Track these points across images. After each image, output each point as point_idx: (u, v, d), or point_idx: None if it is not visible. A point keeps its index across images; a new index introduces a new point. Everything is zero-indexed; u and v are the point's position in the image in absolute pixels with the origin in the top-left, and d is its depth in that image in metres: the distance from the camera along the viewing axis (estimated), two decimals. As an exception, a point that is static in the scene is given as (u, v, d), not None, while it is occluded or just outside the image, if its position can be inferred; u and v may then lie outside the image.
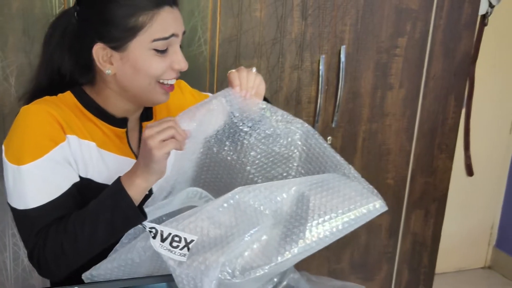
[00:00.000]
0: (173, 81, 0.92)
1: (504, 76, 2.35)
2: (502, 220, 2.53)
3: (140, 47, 0.87)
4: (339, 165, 0.90)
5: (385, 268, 1.91)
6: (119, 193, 0.82)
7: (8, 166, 0.86)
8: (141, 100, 0.95)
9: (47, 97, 0.92)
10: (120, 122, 0.96)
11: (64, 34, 0.93)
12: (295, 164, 0.94)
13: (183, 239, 0.80)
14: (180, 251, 0.79)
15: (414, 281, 1.98)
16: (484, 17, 2.14)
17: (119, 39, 0.87)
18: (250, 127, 0.93)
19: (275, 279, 0.91)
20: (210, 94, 1.12)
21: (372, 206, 0.85)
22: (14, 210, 0.88)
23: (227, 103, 0.91)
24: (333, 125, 1.67)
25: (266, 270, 0.79)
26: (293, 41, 1.55)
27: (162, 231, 0.80)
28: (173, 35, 0.88)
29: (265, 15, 1.50)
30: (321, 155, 0.91)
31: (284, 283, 0.91)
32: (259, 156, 0.95)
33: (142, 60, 0.88)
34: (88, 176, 0.91)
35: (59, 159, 0.87)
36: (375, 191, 0.87)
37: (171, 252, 0.79)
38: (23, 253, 1.39)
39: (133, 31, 0.86)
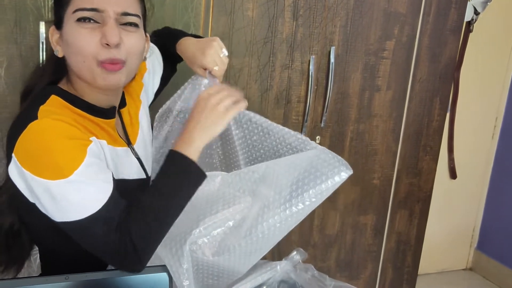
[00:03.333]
0: (113, 56, 0.85)
1: (487, 82, 2.41)
2: (483, 222, 2.58)
3: (68, 20, 0.85)
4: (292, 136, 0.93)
5: (370, 266, 1.94)
6: (185, 161, 0.85)
7: (53, 184, 0.78)
8: (91, 84, 0.89)
9: (43, 107, 0.85)
10: (111, 113, 0.95)
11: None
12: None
13: None
14: None
15: (398, 280, 2.01)
16: (470, 23, 2.20)
17: (58, 15, 0.88)
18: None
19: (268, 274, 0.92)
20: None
21: (338, 177, 0.85)
22: (75, 223, 0.80)
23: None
24: (322, 125, 1.69)
25: (236, 249, 0.82)
26: (284, 41, 1.57)
27: None
28: (95, 9, 0.83)
29: (257, 15, 1.52)
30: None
31: (279, 278, 0.92)
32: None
33: (70, 34, 0.85)
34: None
35: (96, 156, 0.84)
36: (339, 158, 0.87)
37: None
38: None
39: (64, 4, 0.86)
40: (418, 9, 1.73)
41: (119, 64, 0.86)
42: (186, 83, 1.04)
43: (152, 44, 1.14)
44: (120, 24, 0.87)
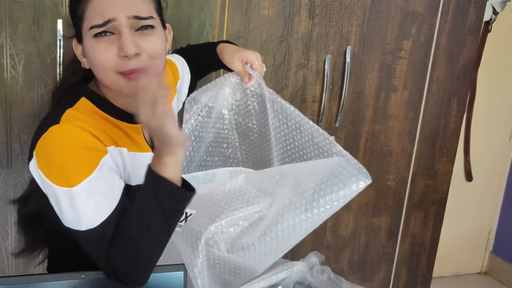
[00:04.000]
0: (134, 67, 0.84)
1: (505, 82, 2.37)
2: (499, 226, 2.54)
3: (86, 36, 0.85)
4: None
5: (384, 269, 1.92)
6: (154, 179, 0.77)
7: (59, 190, 0.80)
8: (116, 92, 0.89)
9: (69, 111, 0.86)
10: (134, 118, 0.95)
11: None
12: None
13: (184, 213, 0.84)
14: (179, 222, 0.84)
15: (412, 282, 1.99)
16: (488, 23, 2.16)
17: (76, 29, 0.89)
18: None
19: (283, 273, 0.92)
20: (177, 59, 1.17)
21: (356, 186, 0.84)
22: (77, 232, 0.81)
23: (240, 81, 1.02)
24: (337, 125, 1.68)
25: (250, 249, 0.80)
26: (299, 40, 1.56)
27: None
28: (109, 21, 0.82)
29: (273, 13, 1.51)
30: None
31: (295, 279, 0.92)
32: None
33: (89, 50, 0.85)
34: (131, 183, 0.90)
35: (106, 169, 0.83)
36: (360, 166, 0.87)
37: None
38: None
39: (80, 19, 0.86)
40: (436, 8, 1.71)
41: (141, 72, 0.84)
42: (214, 80, 1.05)
43: (179, 56, 1.17)
44: (136, 30, 0.85)
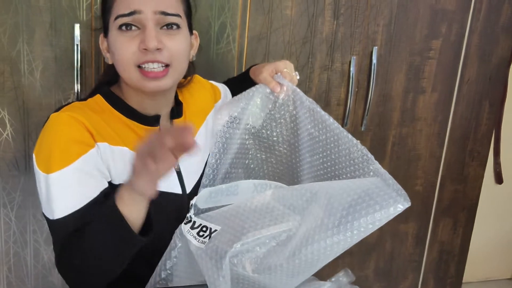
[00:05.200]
0: (154, 66, 0.84)
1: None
2: (531, 230, 2.45)
3: (111, 28, 0.86)
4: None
5: (411, 277, 1.85)
6: (115, 215, 0.76)
7: (40, 175, 0.83)
8: (139, 89, 0.88)
9: (75, 103, 0.89)
10: (152, 120, 0.93)
11: None
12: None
13: (208, 229, 0.83)
14: (203, 239, 0.82)
15: (440, 291, 1.92)
16: (521, 20, 2.06)
17: (104, 23, 0.89)
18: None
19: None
20: (221, 85, 1.18)
21: (393, 209, 0.78)
22: (47, 220, 0.85)
23: (270, 94, 0.97)
24: (362, 129, 1.61)
25: (278, 269, 0.77)
26: (324, 41, 1.50)
27: (195, 221, 0.84)
28: (134, 12, 0.82)
29: (296, 13, 1.45)
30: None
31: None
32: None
33: (113, 42, 0.86)
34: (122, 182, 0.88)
35: (87, 167, 0.83)
36: (398, 187, 0.81)
37: (195, 239, 0.83)
38: (43, 250, 1.37)
39: (108, 12, 0.87)
40: (468, 6, 1.62)
41: (162, 71, 0.85)
42: (245, 91, 1.00)
43: (225, 87, 1.17)
44: (161, 28, 0.85)
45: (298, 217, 0.81)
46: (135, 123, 0.91)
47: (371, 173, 0.85)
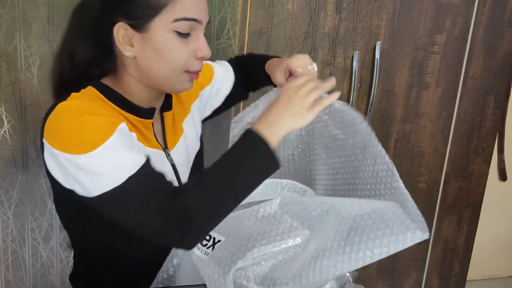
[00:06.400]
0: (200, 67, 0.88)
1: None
2: (535, 228, 2.42)
3: (161, 27, 0.82)
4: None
5: (414, 275, 1.83)
6: (261, 143, 0.77)
7: (81, 158, 0.75)
8: (163, 88, 0.89)
9: (74, 94, 0.84)
10: (147, 113, 0.91)
11: (85, 19, 0.87)
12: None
13: (212, 239, 0.80)
14: (206, 249, 0.80)
15: (444, 290, 1.90)
16: (527, 14, 2.03)
17: (141, 17, 0.82)
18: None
19: None
20: (218, 63, 1.14)
21: (411, 238, 0.75)
22: (112, 192, 0.76)
23: None
24: (365, 125, 1.59)
25: (283, 286, 0.74)
26: (326, 36, 1.48)
27: None
28: (195, 20, 0.83)
29: (297, 8, 1.42)
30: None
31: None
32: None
33: (163, 42, 0.83)
34: None
35: (124, 135, 0.80)
36: (417, 212, 0.77)
37: (198, 248, 0.81)
38: (42, 248, 1.36)
39: (155, 9, 0.82)
40: (473, -1, 1.60)
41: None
42: (261, 97, 0.98)
43: (226, 63, 1.14)
44: None
45: (307, 232, 0.78)
46: (129, 114, 0.89)
47: (393, 190, 0.80)
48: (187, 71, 0.86)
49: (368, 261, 0.74)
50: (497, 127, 1.78)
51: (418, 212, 0.76)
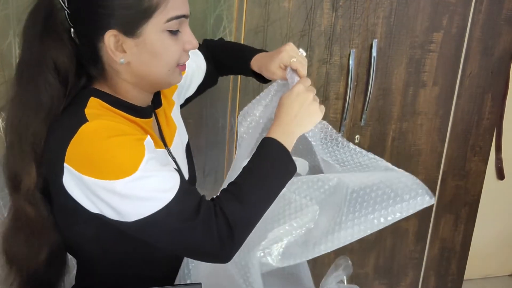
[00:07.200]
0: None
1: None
2: (533, 226, 2.42)
3: (155, 29, 0.81)
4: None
5: (411, 274, 1.83)
6: (282, 151, 0.84)
7: (117, 184, 0.73)
8: (159, 86, 0.90)
9: (88, 111, 0.79)
10: (149, 113, 0.91)
11: (48, 26, 0.82)
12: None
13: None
14: None
15: (441, 288, 1.89)
16: (524, 12, 2.02)
17: (132, 23, 0.80)
18: None
19: None
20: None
21: (421, 203, 0.81)
22: (152, 218, 0.74)
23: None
24: (362, 123, 1.58)
25: (303, 259, 0.82)
26: (322, 34, 1.47)
27: None
28: (184, 15, 0.84)
29: (293, 6, 1.42)
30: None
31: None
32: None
33: (158, 44, 0.82)
34: None
35: (152, 151, 0.79)
36: (421, 183, 0.83)
37: None
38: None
39: (148, 12, 0.80)
40: (470, -3, 1.59)
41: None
42: (265, 90, 0.98)
43: (198, 52, 1.12)
44: None
45: (316, 207, 0.85)
46: (136, 118, 0.87)
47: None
48: (178, 65, 0.87)
49: (381, 227, 0.81)
50: (495, 125, 1.77)
51: (421, 184, 0.82)
